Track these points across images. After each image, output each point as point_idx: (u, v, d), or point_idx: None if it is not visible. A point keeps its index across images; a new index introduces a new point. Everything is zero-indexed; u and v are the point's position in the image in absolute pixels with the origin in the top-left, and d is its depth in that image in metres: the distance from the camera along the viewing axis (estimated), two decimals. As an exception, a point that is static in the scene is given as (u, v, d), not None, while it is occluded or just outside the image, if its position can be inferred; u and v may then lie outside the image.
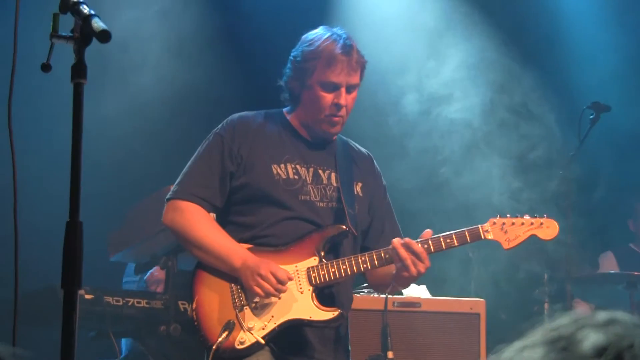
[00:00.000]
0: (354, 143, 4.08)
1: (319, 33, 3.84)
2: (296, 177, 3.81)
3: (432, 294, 4.75)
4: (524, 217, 3.87)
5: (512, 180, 6.03)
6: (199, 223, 3.75)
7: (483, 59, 6.54)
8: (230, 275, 3.69)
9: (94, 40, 2.21)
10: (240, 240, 3.74)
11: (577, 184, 5.88)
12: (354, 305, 4.29)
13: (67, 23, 2.28)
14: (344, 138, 4.03)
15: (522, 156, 6.36)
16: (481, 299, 4.57)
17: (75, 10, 2.22)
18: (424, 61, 6.52)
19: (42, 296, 4.62)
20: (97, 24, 2.16)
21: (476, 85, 6.51)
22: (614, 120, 5.98)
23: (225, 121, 3.91)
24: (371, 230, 3.97)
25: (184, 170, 3.87)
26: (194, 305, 3.71)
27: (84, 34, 2.20)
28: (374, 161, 4.09)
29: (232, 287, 3.70)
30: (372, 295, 4.50)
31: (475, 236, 3.76)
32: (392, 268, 3.72)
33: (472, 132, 6.44)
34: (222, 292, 3.71)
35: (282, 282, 3.61)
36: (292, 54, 3.88)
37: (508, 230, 3.81)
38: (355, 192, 3.91)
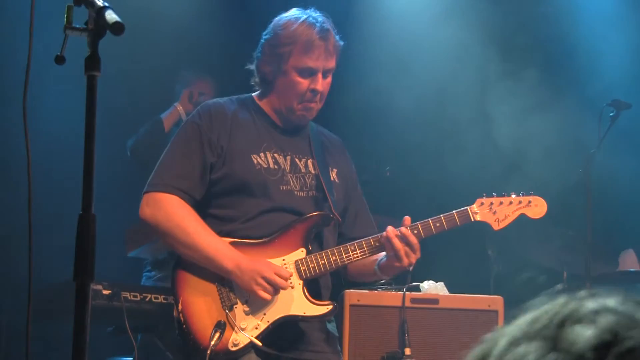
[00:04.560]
0: (323, 128, 3.95)
1: (293, 16, 3.67)
2: (276, 166, 3.66)
3: (450, 290, 4.72)
4: (511, 195, 3.78)
5: (529, 178, 5.98)
6: (184, 218, 3.54)
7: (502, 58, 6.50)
8: (215, 274, 3.54)
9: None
10: (221, 234, 3.57)
11: (597, 181, 5.82)
12: (372, 302, 4.27)
13: (81, 15, 2.28)
14: (314, 123, 3.88)
15: (541, 151, 6.31)
16: (499, 296, 4.53)
17: (88, 2, 2.21)
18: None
19: (57, 291, 4.63)
20: (111, 15, 2.15)
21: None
22: (636, 117, 5.93)
23: (199, 109, 3.72)
24: (347, 217, 3.87)
25: (160, 161, 3.66)
26: (180, 307, 3.52)
27: (98, 26, 2.19)
28: (344, 147, 3.99)
29: (219, 287, 3.55)
30: (389, 292, 4.47)
31: (465, 218, 3.67)
32: (369, 259, 3.65)
33: (491, 129, 6.41)
34: (208, 292, 3.55)
35: (286, 280, 3.50)
36: (263, 37, 3.72)
37: (497, 211, 3.73)
38: (332, 179, 3.79)
